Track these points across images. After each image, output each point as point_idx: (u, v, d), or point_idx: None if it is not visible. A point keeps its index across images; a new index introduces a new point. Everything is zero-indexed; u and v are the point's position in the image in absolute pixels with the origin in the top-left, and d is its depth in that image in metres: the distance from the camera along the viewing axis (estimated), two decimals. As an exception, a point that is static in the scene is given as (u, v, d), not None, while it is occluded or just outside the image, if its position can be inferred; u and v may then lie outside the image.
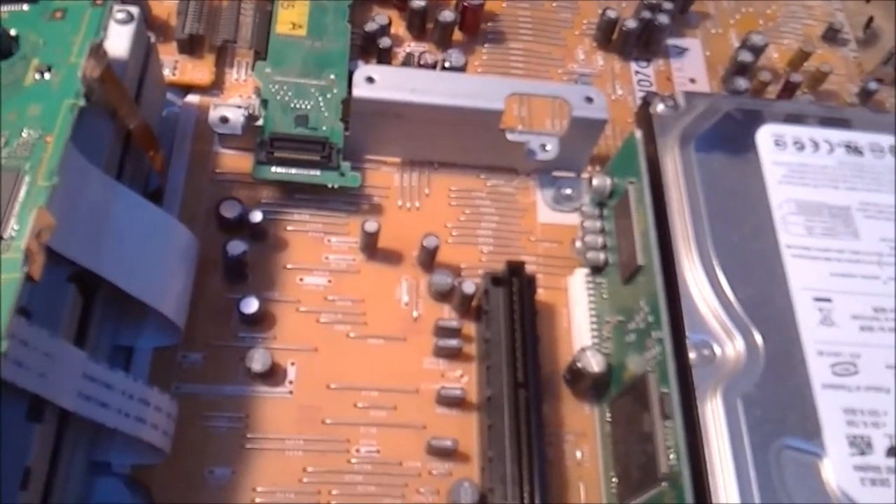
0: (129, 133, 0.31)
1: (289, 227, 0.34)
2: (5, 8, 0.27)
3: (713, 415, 0.26)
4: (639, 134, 0.32)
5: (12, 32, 0.26)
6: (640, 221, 0.31)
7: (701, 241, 0.29)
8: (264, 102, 0.34)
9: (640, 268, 0.30)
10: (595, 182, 0.33)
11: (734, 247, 0.29)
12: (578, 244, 0.34)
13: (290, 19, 0.37)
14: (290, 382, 0.31)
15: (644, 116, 0.33)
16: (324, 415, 0.30)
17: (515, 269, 0.31)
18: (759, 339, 0.27)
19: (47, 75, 0.26)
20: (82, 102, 0.25)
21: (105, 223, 0.27)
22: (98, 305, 0.27)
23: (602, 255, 0.33)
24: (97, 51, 0.26)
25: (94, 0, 0.27)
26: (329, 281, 0.33)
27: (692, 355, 0.27)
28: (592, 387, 0.31)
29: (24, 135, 0.24)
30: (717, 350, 0.27)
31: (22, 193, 0.23)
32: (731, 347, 0.27)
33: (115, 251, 0.27)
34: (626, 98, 0.41)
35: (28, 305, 0.23)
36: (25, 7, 0.27)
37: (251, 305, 0.31)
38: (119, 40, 0.30)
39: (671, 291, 0.28)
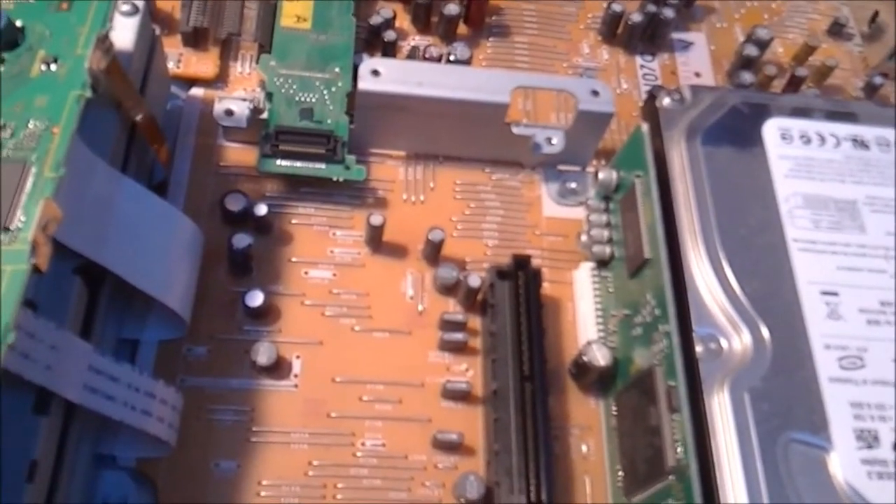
0: (133, 125, 0.30)
1: (293, 221, 0.34)
2: (10, -1, 0.27)
3: (720, 408, 0.26)
4: (645, 127, 0.32)
5: (18, 23, 0.26)
6: (646, 215, 0.30)
7: (707, 234, 0.29)
8: (269, 95, 0.34)
9: (647, 261, 0.30)
10: (601, 175, 0.33)
11: (741, 240, 0.29)
12: (584, 238, 0.34)
13: (294, 12, 0.37)
14: (296, 376, 0.30)
15: (650, 110, 0.33)
16: (329, 408, 0.30)
17: (521, 262, 0.31)
18: (765, 332, 0.27)
19: (53, 66, 0.25)
20: (89, 94, 0.25)
21: (110, 215, 0.27)
22: (103, 298, 0.27)
23: (608, 249, 0.33)
24: (103, 42, 0.26)
25: (99, -9, 0.27)
26: (334, 274, 0.33)
27: (699, 349, 0.27)
28: (598, 380, 0.31)
29: (30, 126, 0.24)
30: (724, 344, 0.27)
31: (28, 185, 0.22)
32: (738, 341, 0.27)
33: (121, 243, 0.27)
34: (632, 92, 0.41)
35: (34, 297, 0.23)
36: (31, -1, 0.27)
37: (256, 299, 0.31)
38: (124, 32, 0.30)
39: (678, 285, 0.28)
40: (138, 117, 0.30)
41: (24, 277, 0.21)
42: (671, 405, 0.27)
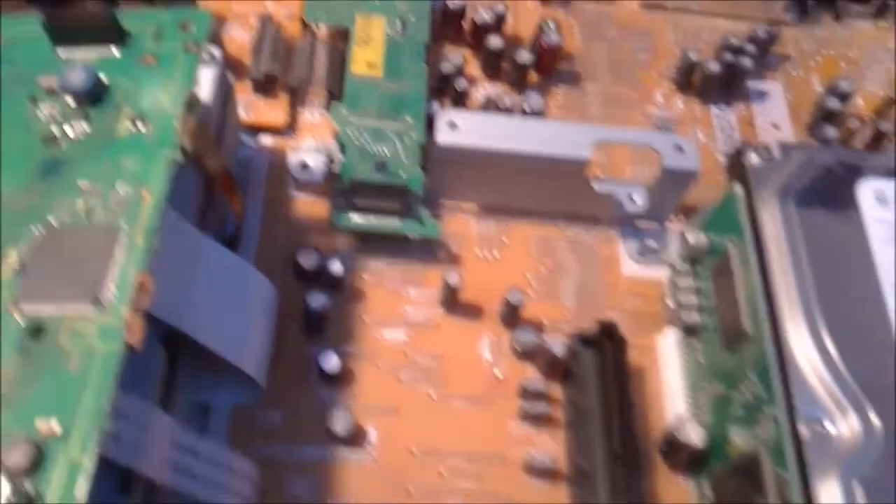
0: (210, 179, 0.30)
1: (364, 276, 0.33)
2: (95, 54, 0.26)
3: (830, 498, 0.24)
4: (740, 189, 0.31)
5: (103, 79, 0.25)
6: (744, 285, 0.29)
7: (807, 305, 0.27)
8: (342, 147, 0.33)
9: (746, 335, 0.28)
10: (692, 240, 0.32)
11: (842, 312, 0.27)
12: (671, 303, 0.32)
13: (365, 58, 0.36)
14: (372, 446, 0.29)
15: (737, 168, 0.31)
16: (407, 482, 0.29)
17: (607, 329, 0.30)
18: (873, 414, 0.25)
19: (140, 125, 0.24)
20: (179, 157, 0.24)
21: (194, 279, 0.26)
22: (183, 365, 0.26)
23: (698, 317, 0.31)
24: (193, 103, 0.25)
25: (185, 44, 0.26)
26: (408, 335, 0.32)
27: (805, 432, 0.25)
28: (689, 460, 0.30)
29: (118, 188, 0.23)
30: (830, 427, 0.25)
31: (119, 254, 0.21)
32: (845, 424, 0.25)
33: (203, 308, 0.26)
34: (709, 144, 0.40)
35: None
36: (116, 53, 0.26)
37: (332, 362, 0.29)
38: (203, 83, 0.29)
39: (779, 362, 0.27)
40: (215, 170, 0.29)
41: (119, 358, 0.20)
42: (782, 496, 0.25)
